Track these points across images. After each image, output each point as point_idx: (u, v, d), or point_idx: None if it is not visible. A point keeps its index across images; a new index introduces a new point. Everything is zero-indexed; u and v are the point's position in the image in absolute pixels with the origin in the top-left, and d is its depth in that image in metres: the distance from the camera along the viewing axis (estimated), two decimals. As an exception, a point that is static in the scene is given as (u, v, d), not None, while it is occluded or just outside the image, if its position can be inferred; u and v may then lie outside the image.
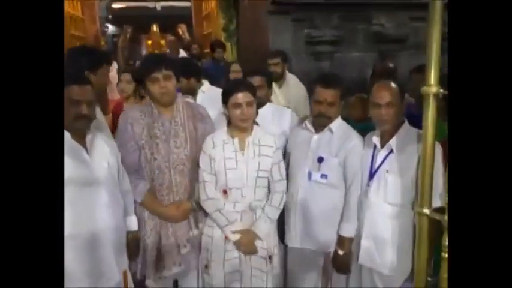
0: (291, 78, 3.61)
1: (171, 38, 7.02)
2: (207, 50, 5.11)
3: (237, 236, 2.02)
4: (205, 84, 3.09)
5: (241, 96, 1.97)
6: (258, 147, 2.05)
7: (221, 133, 2.09)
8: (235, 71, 3.67)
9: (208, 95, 2.91)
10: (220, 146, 2.04)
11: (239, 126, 2.02)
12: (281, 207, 2.13)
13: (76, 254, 1.70)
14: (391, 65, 3.50)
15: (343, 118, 2.21)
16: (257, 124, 2.13)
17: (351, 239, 2.05)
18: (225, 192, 2.04)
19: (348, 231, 2.05)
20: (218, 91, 2.25)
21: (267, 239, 2.08)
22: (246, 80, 2.38)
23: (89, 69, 2.06)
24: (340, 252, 2.06)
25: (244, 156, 2.03)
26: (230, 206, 2.04)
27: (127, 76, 3.38)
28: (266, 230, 2.07)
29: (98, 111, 2.22)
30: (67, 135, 1.70)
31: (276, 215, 2.11)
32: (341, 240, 2.06)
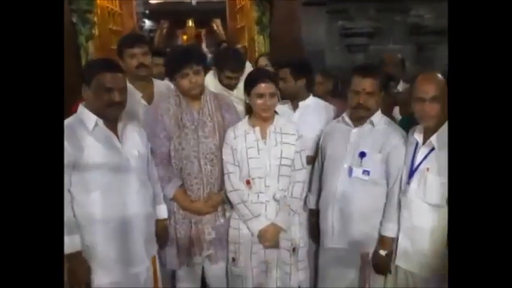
0: None
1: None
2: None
3: (258, 229, 2.01)
4: None
5: (264, 87, 1.96)
6: (280, 135, 2.03)
7: (242, 124, 2.08)
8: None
9: None
10: (241, 136, 2.03)
11: (260, 115, 2.01)
12: (303, 197, 2.10)
13: (107, 238, 1.75)
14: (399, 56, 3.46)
15: None
16: (277, 113, 2.11)
17: (393, 239, 1.97)
18: (248, 182, 2.03)
19: (391, 231, 1.96)
20: None
21: (290, 231, 2.06)
22: (269, 70, 2.34)
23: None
24: (382, 253, 1.98)
25: (266, 144, 2.02)
26: (254, 197, 2.02)
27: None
28: (289, 222, 2.05)
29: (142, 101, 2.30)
30: (100, 121, 1.74)
31: (298, 206, 2.08)
32: (383, 240, 1.98)
